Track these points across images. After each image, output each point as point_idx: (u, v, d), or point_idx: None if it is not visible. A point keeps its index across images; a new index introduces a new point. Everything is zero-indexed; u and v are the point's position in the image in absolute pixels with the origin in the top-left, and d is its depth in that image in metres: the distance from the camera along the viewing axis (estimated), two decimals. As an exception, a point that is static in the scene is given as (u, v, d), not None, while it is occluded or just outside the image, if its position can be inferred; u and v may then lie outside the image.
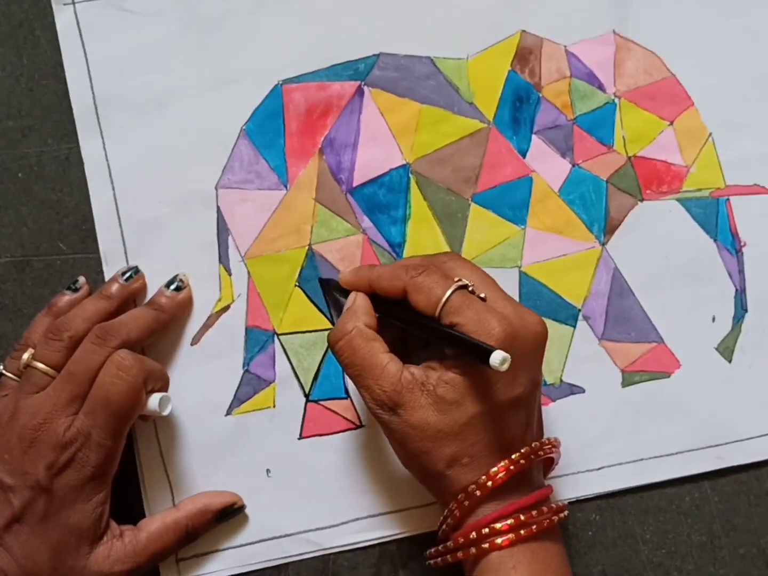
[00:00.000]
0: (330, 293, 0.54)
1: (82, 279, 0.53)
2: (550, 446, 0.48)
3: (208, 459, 0.54)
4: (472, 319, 0.46)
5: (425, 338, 0.51)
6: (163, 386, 0.52)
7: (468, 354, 0.45)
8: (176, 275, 0.54)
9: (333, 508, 0.54)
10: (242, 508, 0.53)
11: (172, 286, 0.53)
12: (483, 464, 0.46)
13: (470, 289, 0.47)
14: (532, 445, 0.47)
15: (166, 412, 0.51)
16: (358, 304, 0.50)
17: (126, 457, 0.51)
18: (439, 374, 0.46)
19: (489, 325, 0.45)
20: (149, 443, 0.54)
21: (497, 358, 0.43)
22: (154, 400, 0.50)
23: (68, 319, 0.50)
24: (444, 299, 0.46)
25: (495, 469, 0.46)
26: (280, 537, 0.54)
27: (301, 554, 0.54)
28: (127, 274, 0.53)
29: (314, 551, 0.54)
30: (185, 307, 0.54)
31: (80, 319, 0.50)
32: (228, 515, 0.53)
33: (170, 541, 0.51)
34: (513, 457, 0.46)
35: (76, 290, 0.53)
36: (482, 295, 0.47)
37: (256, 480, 0.54)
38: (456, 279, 0.47)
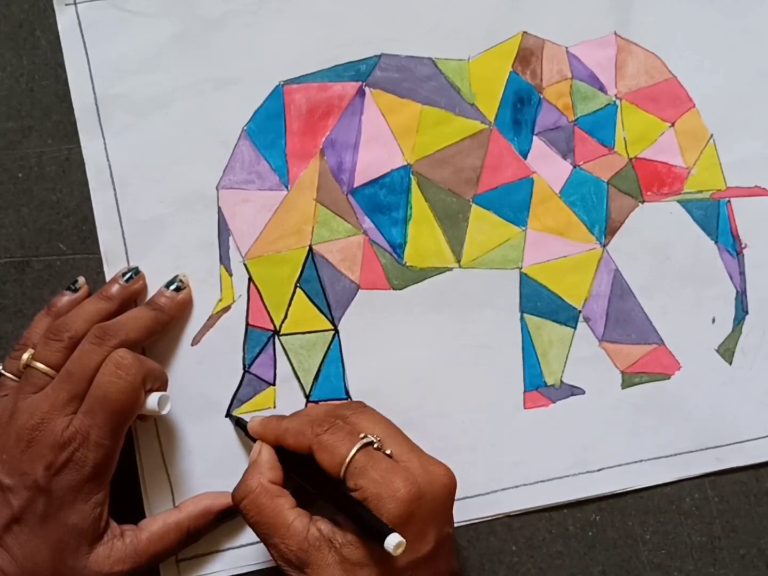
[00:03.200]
0: (242, 434, 0.53)
1: (81, 279, 0.53)
2: None
3: (208, 459, 0.54)
4: (377, 480, 0.45)
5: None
6: (162, 386, 0.52)
7: (366, 532, 0.44)
8: (176, 275, 0.54)
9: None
10: None
11: (172, 287, 0.53)
12: None
13: (376, 446, 0.47)
14: None
15: (165, 411, 0.51)
16: (262, 458, 0.49)
17: (125, 457, 0.51)
18: (344, 534, 0.46)
19: (393, 486, 0.45)
20: (150, 444, 0.54)
21: (392, 542, 0.42)
22: (153, 400, 0.50)
23: (68, 320, 0.50)
24: (348, 459, 0.46)
25: None
26: (281, 538, 0.54)
27: (302, 555, 0.54)
28: (128, 275, 0.53)
29: (315, 552, 0.54)
30: (185, 307, 0.54)
31: (80, 320, 0.50)
32: (229, 516, 0.53)
33: (171, 541, 0.51)
34: None
35: (75, 290, 0.53)
36: (388, 452, 0.47)
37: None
38: (361, 435, 0.47)
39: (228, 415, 0.54)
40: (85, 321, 0.50)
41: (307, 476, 0.49)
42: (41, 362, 0.49)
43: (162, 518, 0.51)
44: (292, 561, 0.46)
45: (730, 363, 0.56)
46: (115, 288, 0.52)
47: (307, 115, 0.55)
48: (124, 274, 0.53)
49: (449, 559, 0.48)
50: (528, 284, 0.56)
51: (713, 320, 0.56)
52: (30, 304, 0.55)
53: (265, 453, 0.50)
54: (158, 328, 0.52)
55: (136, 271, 0.53)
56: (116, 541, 0.49)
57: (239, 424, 0.53)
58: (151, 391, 0.50)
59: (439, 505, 0.47)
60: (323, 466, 0.47)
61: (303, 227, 0.55)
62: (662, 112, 0.56)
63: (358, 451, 0.46)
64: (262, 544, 0.53)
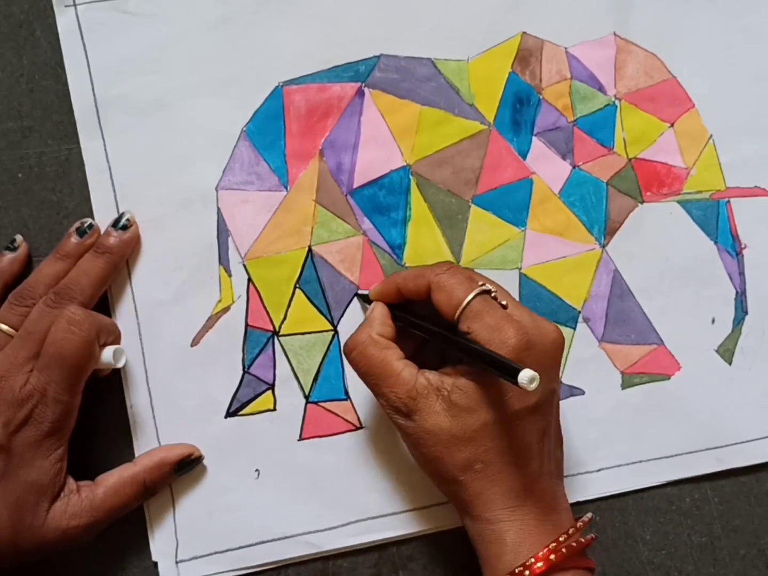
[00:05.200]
0: (364, 307, 0.54)
1: (19, 237, 0.54)
2: (586, 538, 0.48)
3: (208, 460, 0.54)
4: (490, 326, 0.46)
5: (444, 350, 0.51)
6: (116, 339, 0.53)
7: (493, 370, 0.45)
8: (122, 213, 0.54)
9: (333, 510, 0.54)
10: (200, 458, 0.54)
11: (119, 225, 0.53)
12: (496, 471, 0.46)
13: (492, 294, 0.47)
14: (569, 531, 0.47)
15: (120, 364, 0.51)
16: (374, 314, 0.50)
17: (83, 414, 0.51)
18: (453, 380, 0.47)
19: (505, 334, 0.45)
20: (150, 444, 0.54)
21: (525, 376, 0.42)
22: (107, 353, 0.51)
23: (30, 287, 0.51)
24: (465, 302, 0.47)
25: (532, 559, 0.46)
26: (280, 539, 0.54)
27: (301, 556, 0.54)
28: (82, 230, 0.53)
29: (314, 553, 0.54)
30: (133, 245, 0.54)
31: (41, 285, 0.51)
32: (186, 467, 0.53)
33: (128, 495, 0.51)
34: (551, 546, 0.46)
35: (14, 249, 0.54)
36: (503, 303, 0.47)
37: (255, 482, 0.54)
38: (480, 282, 0.48)
39: (356, 294, 0.55)
40: (46, 285, 0.51)
41: (420, 325, 0.49)
42: (3, 323, 0.50)
43: (118, 472, 0.52)
44: (400, 408, 0.47)
45: (730, 363, 0.56)
46: (70, 246, 0.53)
47: (307, 116, 0.55)
48: (77, 230, 0.53)
49: (553, 416, 0.49)
50: (527, 285, 0.56)
51: (713, 321, 0.56)
52: (30, 304, 0.55)
53: (377, 309, 0.51)
54: (111, 272, 0.53)
55: (90, 225, 0.53)
56: (72, 496, 0.50)
57: (364, 299, 0.54)
58: (105, 345, 0.51)
59: (548, 358, 0.47)
60: (439, 307, 0.47)
61: (302, 228, 0.55)
62: (661, 113, 0.56)
63: (475, 296, 0.47)
64: (261, 546, 0.54)
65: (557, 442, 0.50)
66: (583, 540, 0.47)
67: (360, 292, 0.55)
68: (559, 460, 0.50)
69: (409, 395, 0.47)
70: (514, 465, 0.47)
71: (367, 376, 0.49)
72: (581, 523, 0.48)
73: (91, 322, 0.49)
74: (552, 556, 0.46)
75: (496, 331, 0.45)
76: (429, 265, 0.50)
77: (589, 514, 0.49)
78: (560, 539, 0.46)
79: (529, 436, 0.47)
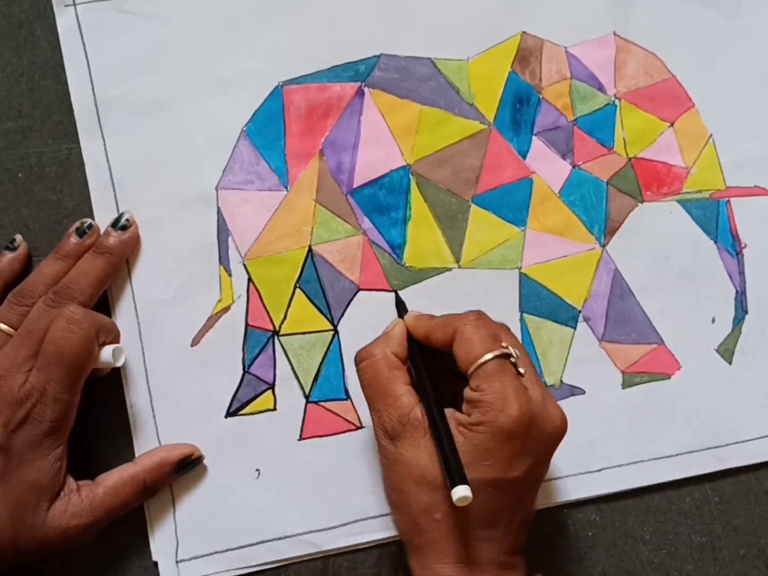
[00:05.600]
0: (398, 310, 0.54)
1: (19, 237, 0.54)
2: None
3: (208, 460, 0.54)
4: (497, 391, 0.46)
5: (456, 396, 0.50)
6: (115, 339, 0.53)
7: (444, 461, 0.45)
8: (122, 213, 0.54)
9: (333, 510, 0.54)
10: (200, 458, 0.54)
11: (118, 225, 0.53)
12: (454, 526, 0.46)
13: (513, 360, 0.47)
14: None
15: (119, 363, 0.51)
16: (394, 332, 0.50)
17: (83, 412, 0.51)
18: None
19: (509, 404, 0.45)
20: (149, 444, 0.54)
21: (458, 492, 0.43)
22: (107, 352, 0.51)
23: (30, 286, 0.51)
24: (482, 360, 0.46)
25: None
26: (280, 538, 0.54)
27: (301, 556, 0.54)
28: (82, 231, 0.53)
29: (314, 553, 0.54)
30: (133, 245, 0.54)
31: (41, 285, 0.51)
32: (186, 467, 0.53)
33: (128, 495, 0.51)
34: None
35: (14, 249, 0.54)
36: (522, 371, 0.47)
37: (255, 481, 0.54)
38: (503, 344, 0.47)
39: (396, 294, 0.54)
40: (46, 285, 0.51)
41: (417, 367, 0.49)
42: (3, 322, 0.50)
43: (118, 472, 0.52)
44: (387, 430, 0.47)
45: (730, 363, 0.56)
46: (70, 246, 0.53)
47: (307, 116, 0.55)
48: (77, 230, 0.53)
49: (530, 496, 0.49)
50: (527, 284, 0.56)
51: (713, 320, 0.56)
52: (30, 304, 0.55)
53: (397, 329, 0.51)
54: (111, 273, 0.53)
55: (90, 225, 0.53)
56: (73, 495, 0.50)
57: (399, 306, 0.53)
58: (104, 344, 0.51)
59: (543, 441, 0.47)
60: (457, 356, 0.47)
61: (302, 228, 0.55)
62: (661, 112, 0.56)
63: (495, 357, 0.46)
64: (262, 545, 0.54)
65: (525, 519, 0.49)
66: None
67: (401, 298, 0.54)
68: (521, 535, 0.49)
69: (401, 421, 0.47)
70: (477, 527, 0.46)
71: (368, 388, 0.49)
72: None
73: (90, 321, 0.49)
74: None
75: (501, 398, 0.45)
76: (459, 315, 0.49)
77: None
78: None
79: (498, 506, 0.46)
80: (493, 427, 0.45)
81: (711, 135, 0.56)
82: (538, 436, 0.46)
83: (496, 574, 0.47)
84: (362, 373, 0.49)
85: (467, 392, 0.47)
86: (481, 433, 0.45)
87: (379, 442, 0.48)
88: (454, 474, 0.44)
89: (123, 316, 0.54)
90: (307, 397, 0.55)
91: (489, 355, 0.46)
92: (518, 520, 0.48)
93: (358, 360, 0.49)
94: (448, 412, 0.47)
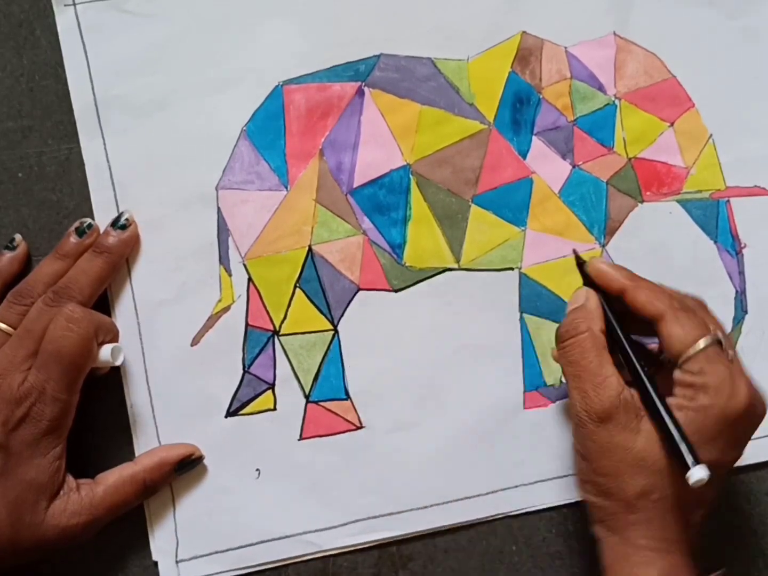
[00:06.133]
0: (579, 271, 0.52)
1: (18, 237, 0.54)
2: None
3: (208, 460, 0.54)
4: (723, 375, 0.45)
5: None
6: (114, 338, 0.53)
7: (672, 444, 0.45)
8: (121, 212, 0.54)
9: (333, 510, 0.54)
10: (200, 458, 0.54)
11: (118, 224, 0.53)
12: (670, 506, 0.46)
13: (724, 348, 0.47)
14: None
15: (118, 362, 0.52)
16: (591, 305, 0.49)
17: (82, 411, 0.51)
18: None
19: (738, 387, 0.45)
20: (149, 444, 0.54)
21: (697, 474, 0.43)
22: (105, 351, 0.51)
23: (29, 286, 0.51)
24: (704, 344, 0.46)
25: None
26: (280, 538, 0.54)
27: (301, 555, 0.54)
28: (81, 230, 0.53)
29: (314, 552, 0.54)
30: (132, 245, 0.54)
31: (41, 284, 0.51)
32: (186, 467, 0.53)
33: (128, 494, 0.51)
34: None
35: (13, 248, 0.54)
36: (731, 353, 0.47)
37: (255, 481, 0.54)
38: (716, 331, 0.47)
39: (576, 255, 0.52)
40: (45, 285, 0.51)
41: (625, 351, 0.48)
42: (1, 321, 0.50)
43: (118, 471, 0.52)
44: (596, 411, 0.46)
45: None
46: (69, 245, 0.53)
47: (307, 116, 0.55)
48: (77, 229, 0.53)
49: (720, 483, 0.48)
50: (527, 284, 0.56)
51: (713, 320, 0.56)
52: (30, 304, 0.55)
53: (594, 302, 0.49)
54: (110, 272, 0.53)
55: (89, 225, 0.53)
56: (72, 494, 0.50)
57: (581, 267, 0.51)
58: (103, 343, 0.51)
59: (750, 430, 0.47)
60: (670, 340, 0.46)
61: (302, 227, 0.55)
62: (661, 112, 0.56)
63: (712, 342, 0.46)
64: (262, 545, 0.54)
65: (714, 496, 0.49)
66: None
67: (577, 252, 0.52)
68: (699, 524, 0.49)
69: (612, 403, 0.46)
70: (686, 508, 0.46)
71: (574, 365, 0.47)
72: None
73: (89, 320, 0.49)
74: None
75: (728, 381, 0.45)
76: (663, 288, 0.48)
77: (723, 570, 0.49)
78: None
79: (709, 489, 0.45)
80: (725, 410, 0.45)
81: (711, 135, 0.56)
82: (756, 420, 0.47)
83: (689, 560, 0.47)
84: (569, 349, 0.48)
85: (683, 375, 0.46)
86: (709, 417, 0.45)
87: (581, 426, 0.47)
88: (687, 456, 0.44)
89: (123, 316, 0.54)
90: (307, 397, 0.55)
91: (709, 339, 0.46)
92: (710, 496, 0.48)
93: (564, 337, 0.48)
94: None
